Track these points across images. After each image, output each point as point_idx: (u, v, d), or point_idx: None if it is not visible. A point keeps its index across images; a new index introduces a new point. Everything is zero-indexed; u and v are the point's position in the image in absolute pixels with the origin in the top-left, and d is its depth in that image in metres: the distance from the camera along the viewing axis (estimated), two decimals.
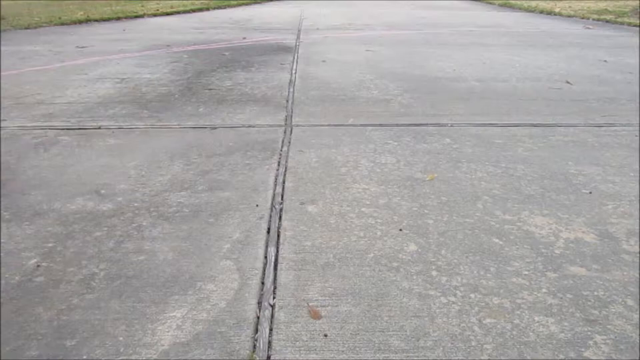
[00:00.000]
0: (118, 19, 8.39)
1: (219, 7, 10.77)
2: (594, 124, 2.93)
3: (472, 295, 1.44)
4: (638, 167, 2.32)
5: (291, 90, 3.63)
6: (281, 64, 4.56)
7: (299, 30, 6.97)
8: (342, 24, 7.84)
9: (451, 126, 2.87)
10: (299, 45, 5.67)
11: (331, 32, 6.87)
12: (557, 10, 9.76)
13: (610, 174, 2.25)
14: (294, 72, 4.24)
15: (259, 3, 12.43)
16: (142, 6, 10.15)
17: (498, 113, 3.12)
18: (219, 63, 4.58)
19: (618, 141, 2.64)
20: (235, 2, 11.99)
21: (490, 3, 12.28)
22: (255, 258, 1.61)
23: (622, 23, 8.14)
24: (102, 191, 2.07)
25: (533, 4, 11.03)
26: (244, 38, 6.18)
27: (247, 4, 11.99)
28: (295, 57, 4.93)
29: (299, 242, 1.70)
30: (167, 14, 9.36)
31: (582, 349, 1.24)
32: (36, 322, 1.33)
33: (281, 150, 2.50)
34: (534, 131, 2.79)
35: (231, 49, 5.39)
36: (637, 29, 7.50)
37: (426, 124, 2.90)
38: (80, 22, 7.93)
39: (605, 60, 4.82)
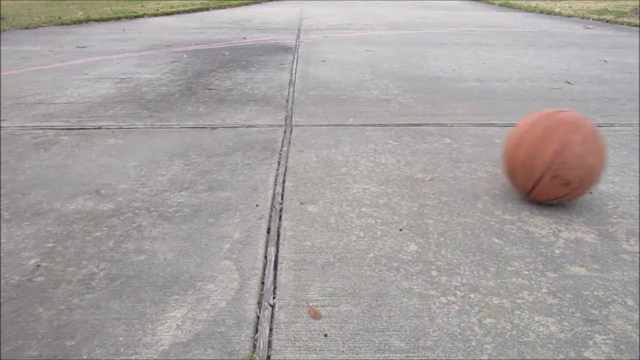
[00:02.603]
0: (118, 19, 8.40)
1: (219, 7, 10.78)
2: (594, 123, 2.92)
3: (472, 295, 1.44)
4: (638, 167, 2.32)
5: (291, 90, 3.63)
6: (281, 64, 4.56)
7: (299, 30, 6.97)
8: (342, 24, 7.84)
9: (451, 126, 2.87)
10: (298, 45, 5.67)
11: (331, 32, 6.87)
12: (557, 10, 9.77)
13: (610, 173, 2.25)
14: (293, 72, 4.24)
15: (259, 3, 12.44)
16: (142, 6, 10.16)
17: (498, 113, 3.12)
18: (219, 63, 4.59)
19: (618, 141, 2.64)
20: (235, 2, 12.00)
21: (490, 3, 12.29)
22: (255, 258, 1.61)
23: (622, 23, 8.14)
24: (102, 191, 2.07)
25: (533, 4, 11.03)
26: (244, 38, 6.18)
27: (247, 4, 12.00)
28: (295, 57, 4.93)
29: (299, 242, 1.70)
30: (167, 14, 9.37)
31: (582, 349, 1.24)
32: (36, 322, 1.33)
33: (281, 150, 2.50)
34: None
35: (231, 49, 5.39)
36: (637, 28, 7.50)
37: (426, 124, 2.90)
38: (80, 22, 7.93)
39: (605, 60, 4.82)
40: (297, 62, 4.67)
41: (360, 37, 6.34)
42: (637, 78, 4.08)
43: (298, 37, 6.34)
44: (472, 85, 3.79)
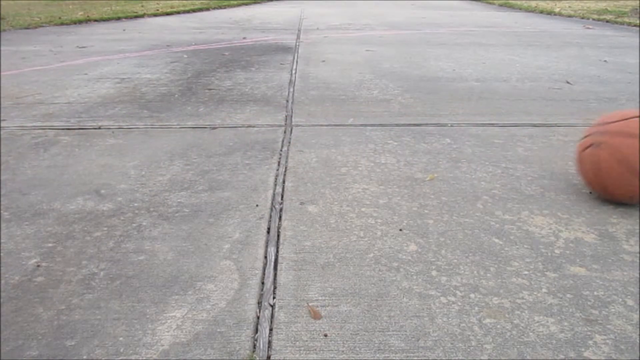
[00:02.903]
0: (118, 19, 8.39)
1: (219, 7, 10.78)
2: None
3: (472, 295, 1.44)
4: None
5: (291, 90, 3.63)
6: (281, 63, 4.56)
7: (299, 30, 6.97)
8: (342, 24, 7.84)
9: (451, 126, 2.87)
10: (299, 45, 5.67)
11: (331, 32, 6.87)
12: (557, 10, 9.77)
13: None
14: (293, 72, 4.24)
15: (259, 3, 12.44)
16: (142, 6, 10.16)
17: (498, 113, 3.12)
18: (218, 63, 4.59)
19: None
20: (235, 2, 11.99)
21: (490, 3, 12.29)
22: (255, 258, 1.61)
23: (622, 23, 8.14)
24: (102, 191, 2.07)
25: (533, 4, 11.04)
26: (244, 38, 6.18)
27: (247, 4, 12.00)
28: (295, 57, 4.93)
29: (299, 242, 1.70)
30: (167, 13, 9.36)
31: (582, 349, 1.24)
32: (36, 322, 1.33)
33: (281, 150, 2.50)
34: (534, 131, 2.79)
35: (231, 49, 5.39)
36: (637, 29, 7.50)
37: (426, 124, 2.90)
38: (80, 22, 7.93)
39: (605, 60, 4.82)
40: (297, 62, 4.67)
41: (360, 37, 6.34)
42: (637, 78, 4.09)
43: (298, 37, 6.34)
44: (472, 85, 3.79)
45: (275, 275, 1.53)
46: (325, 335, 1.29)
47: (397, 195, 2.04)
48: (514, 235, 1.75)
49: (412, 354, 1.22)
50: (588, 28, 7.41)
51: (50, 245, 1.68)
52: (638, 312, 1.37)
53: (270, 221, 1.84)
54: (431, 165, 2.33)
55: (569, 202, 1.99)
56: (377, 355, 1.22)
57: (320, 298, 1.43)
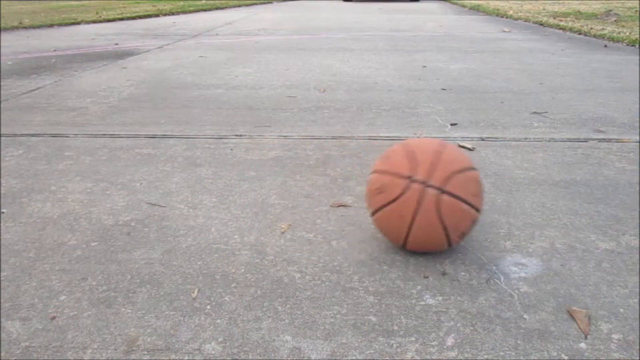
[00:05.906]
0: (50, 26, 8.52)
1: (171, 13, 10.78)
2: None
3: None
4: None
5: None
6: (75, 71, 4.36)
7: (194, 36, 6.77)
8: (257, 29, 7.57)
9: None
10: (149, 51, 5.45)
11: (221, 37, 6.62)
12: (510, 13, 9.04)
13: None
14: (61, 78, 4.02)
15: (233, 8, 12.39)
16: (83, 12, 10.31)
17: (180, 122, 2.75)
18: (22, 68, 4.45)
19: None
20: (202, 6, 12.00)
21: (463, 6, 11.64)
22: None
23: (556, 26, 7.34)
24: None
25: (501, 4, 10.32)
26: (116, 44, 6.04)
27: (210, 9, 11.97)
28: (120, 62, 4.71)
29: None
30: (109, 20, 9.43)
31: None
32: None
33: None
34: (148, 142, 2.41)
35: (74, 55, 5.25)
36: (563, 32, 6.75)
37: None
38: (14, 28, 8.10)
39: (424, 66, 4.28)
40: (100, 69, 4.44)
41: (235, 43, 6.05)
42: (425, 85, 3.56)
43: (175, 42, 6.15)
44: (215, 93, 3.42)
45: None
46: None
47: None
48: None
49: None
50: (504, 31, 6.72)
51: None
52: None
53: None
54: None
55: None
56: None
57: None
